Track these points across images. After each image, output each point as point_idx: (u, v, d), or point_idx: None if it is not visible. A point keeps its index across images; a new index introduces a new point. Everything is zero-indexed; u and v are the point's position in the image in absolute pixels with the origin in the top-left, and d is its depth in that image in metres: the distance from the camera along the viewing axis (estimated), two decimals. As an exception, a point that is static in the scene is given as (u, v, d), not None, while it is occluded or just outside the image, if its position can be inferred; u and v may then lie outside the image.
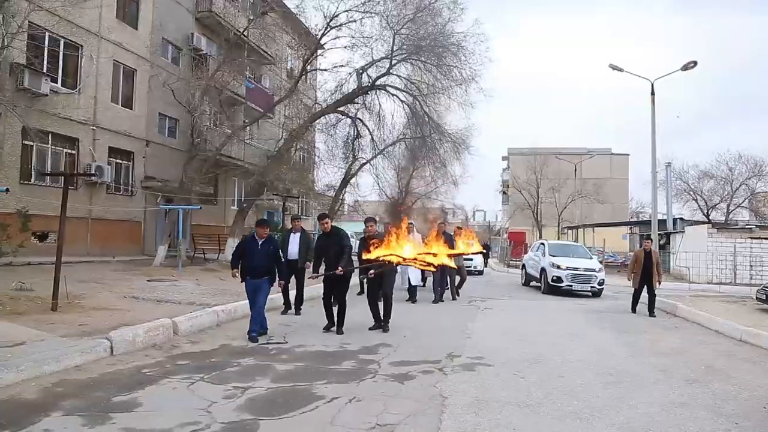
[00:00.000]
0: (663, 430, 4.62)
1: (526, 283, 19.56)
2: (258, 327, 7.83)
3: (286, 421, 4.54)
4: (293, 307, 10.34)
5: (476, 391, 5.50)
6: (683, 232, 25.96)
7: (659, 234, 24.61)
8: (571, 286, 16.24)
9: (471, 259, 23.38)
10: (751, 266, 22.70)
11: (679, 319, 12.05)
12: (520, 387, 5.79)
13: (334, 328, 8.51)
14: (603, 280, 16.66)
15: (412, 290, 13.05)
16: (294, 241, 10.27)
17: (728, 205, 39.13)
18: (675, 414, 5.06)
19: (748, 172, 38.46)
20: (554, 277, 16.53)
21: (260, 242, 7.97)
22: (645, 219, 38.85)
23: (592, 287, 16.40)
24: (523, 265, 20.75)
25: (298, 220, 10.84)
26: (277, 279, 8.22)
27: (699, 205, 40.18)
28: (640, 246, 13.37)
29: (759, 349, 8.58)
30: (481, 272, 25.13)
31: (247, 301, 8.12)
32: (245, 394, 5.18)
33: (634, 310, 12.64)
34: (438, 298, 13.11)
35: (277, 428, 4.37)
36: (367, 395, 5.26)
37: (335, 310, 8.62)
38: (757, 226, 25.83)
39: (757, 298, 13.37)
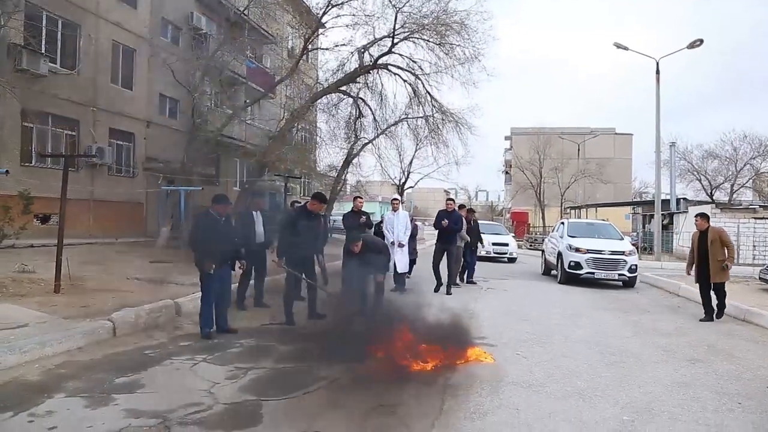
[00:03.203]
0: (666, 409, 4.62)
1: (546, 272, 16.35)
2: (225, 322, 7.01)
3: (288, 401, 4.53)
4: (255, 299, 8.93)
5: (479, 372, 5.49)
6: (686, 212, 25.86)
7: (662, 214, 24.53)
8: (593, 273, 13.38)
9: (507, 244, 21.67)
10: (754, 246, 22.67)
11: (681, 299, 12.03)
12: (523, 367, 5.79)
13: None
14: (635, 266, 13.64)
15: (398, 278, 10.99)
16: (259, 221, 8.76)
17: (732, 185, 38.99)
18: (678, 393, 5.05)
19: (753, 151, 38.29)
20: (572, 263, 13.60)
21: (222, 221, 6.93)
22: (648, 199, 38.76)
23: (621, 275, 13.44)
24: (543, 251, 17.65)
25: (260, 198, 9.35)
26: (238, 263, 7.27)
27: (703, 185, 40.06)
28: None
29: (762, 329, 8.57)
30: (513, 260, 21.92)
31: (204, 293, 6.80)
32: (248, 375, 5.18)
33: (709, 317, 9.18)
34: (438, 287, 11.35)
35: (280, 409, 4.37)
36: (371, 376, 5.25)
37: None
38: (761, 206, 25.73)
39: (760, 278, 13.35)
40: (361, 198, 11.98)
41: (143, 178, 20.67)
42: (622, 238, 15.26)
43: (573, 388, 5.08)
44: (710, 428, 4.23)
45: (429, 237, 24.14)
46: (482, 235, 16.44)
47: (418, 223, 13.09)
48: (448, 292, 11.22)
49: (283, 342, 6.53)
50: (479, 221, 15.88)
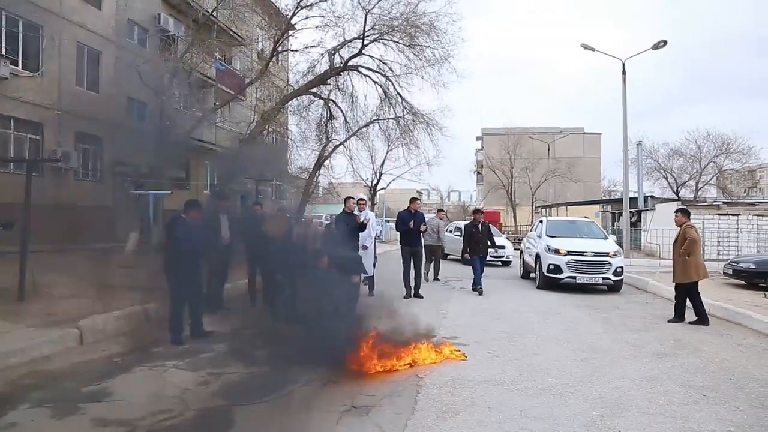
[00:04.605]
0: (634, 403, 4.71)
1: (525, 275, 15.14)
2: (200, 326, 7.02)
3: (260, 406, 4.50)
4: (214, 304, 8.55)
5: (451, 371, 5.53)
6: (654, 209, 26.42)
7: (631, 212, 25.00)
8: (574, 277, 12.14)
9: (503, 247, 19.35)
10: (718, 242, 23.24)
11: (649, 295, 12.28)
12: (495, 365, 5.84)
13: None
14: (621, 268, 12.37)
15: (367, 281, 10.69)
16: (225, 224, 8.56)
17: (697, 183, 40.01)
18: (646, 388, 5.16)
19: (716, 150, 39.36)
20: (551, 266, 12.36)
21: (194, 226, 7.02)
22: (617, 197, 39.51)
23: (605, 279, 12.17)
24: (521, 253, 16.20)
25: (225, 200, 9.26)
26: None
27: (669, 183, 41.04)
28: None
29: (726, 323, 8.80)
30: (508, 263, 20.02)
31: (173, 299, 6.75)
32: (219, 380, 5.13)
33: (677, 318, 8.80)
34: (408, 294, 10.90)
35: (252, 413, 4.33)
36: (343, 378, 5.24)
37: None
38: (724, 202, 26.41)
39: (724, 272, 13.67)
40: (352, 198, 11.20)
41: (111, 182, 20.27)
42: (606, 238, 13.87)
43: (544, 385, 5.15)
44: (676, 420, 4.33)
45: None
46: None
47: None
48: (418, 295, 10.93)
49: (254, 346, 6.48)
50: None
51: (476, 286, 11.82)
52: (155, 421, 4.08)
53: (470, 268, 12.25)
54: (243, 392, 4.81)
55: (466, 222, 13.36)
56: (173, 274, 6.66)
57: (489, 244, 12.31)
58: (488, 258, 13.26)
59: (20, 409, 4.28)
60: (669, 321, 8.77)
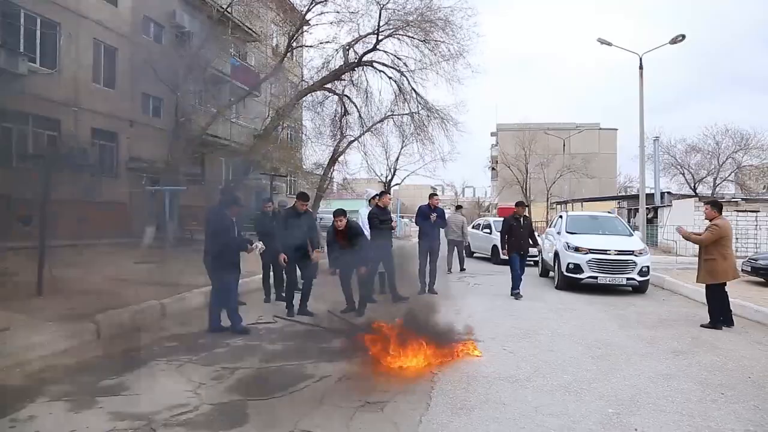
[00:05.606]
0: (650, 401, 4.66)
1: (544, 274, 14.35)
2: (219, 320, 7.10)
3: (275, 400, 4.52)
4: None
5: (465, 367, 5.51)
6: (670, 205, 26.14)
7: (647, 208, 24.76)
8: (596, 277, 11.30)
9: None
10: (736, 239, 22.85)
11: (666, 292, 12.16)
12: (509, 362, 5.81)
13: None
14: (647, 267, 11.53)
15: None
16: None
17: (715, 179, 39.39)
18: (663, 385, 5.10)
19: (735, 145, 38.66)
20: (570, 265, 11.54)
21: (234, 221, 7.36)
22: (633, 193, 39.07)
23: (629, 279, 11.33)
24: (539, 250, 14.69)
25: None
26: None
27: (686, 179, 40.42)
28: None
29: (744, 320, 8.69)
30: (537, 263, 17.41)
31: (227, 292, 7.10)
32: (234, 375, 5.15)
33: (711, 323, 8.10)
34: (423, 289, 10.60)
35: (267, 408, 4.35)
36: (357, 373, 5.25)
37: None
38: (742, 199, 26.05)
39: (742, 270, 13.46)
40: (389, 194, 11.04)
41: (127, 178, 20.45)
42: (632, 234, 12.92)
43: (559, 382, 5.12)
44: (694, 419, 4.27)
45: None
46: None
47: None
48: (433, 291, 10.69)
49: (269, 340, 6.52)
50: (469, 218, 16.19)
51: (515, 291, 10.75)
52: (171, 415, 4.11)
53: (494, 265, 11.79)
54: (258, 387, 4.83)
55: (504, 217, 12.02)
56: (219, 264, 6.90)
57: (531, 242, 11.17)
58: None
59: (38, 402, 4.33)
60: (706, 327, 8.01)
